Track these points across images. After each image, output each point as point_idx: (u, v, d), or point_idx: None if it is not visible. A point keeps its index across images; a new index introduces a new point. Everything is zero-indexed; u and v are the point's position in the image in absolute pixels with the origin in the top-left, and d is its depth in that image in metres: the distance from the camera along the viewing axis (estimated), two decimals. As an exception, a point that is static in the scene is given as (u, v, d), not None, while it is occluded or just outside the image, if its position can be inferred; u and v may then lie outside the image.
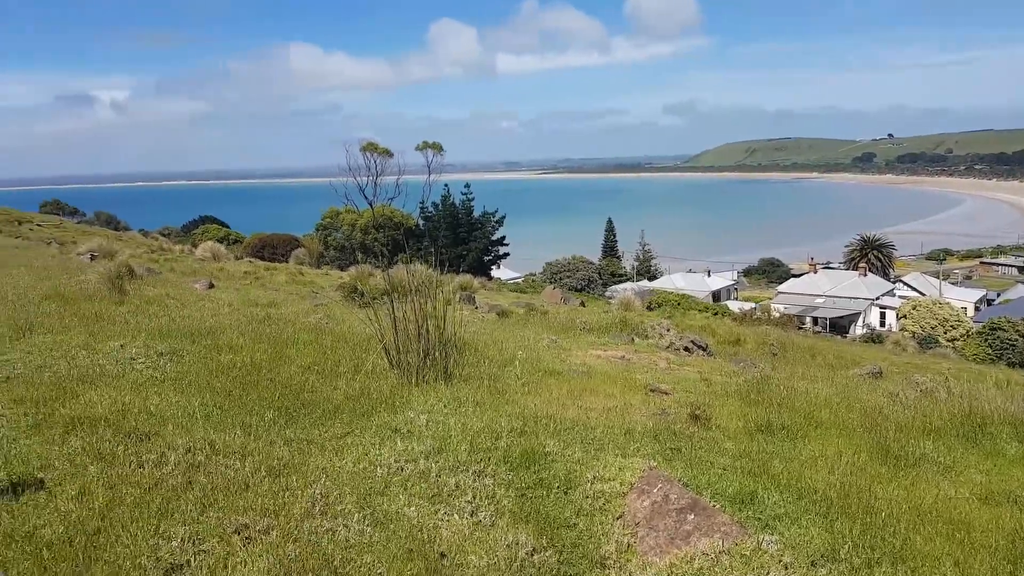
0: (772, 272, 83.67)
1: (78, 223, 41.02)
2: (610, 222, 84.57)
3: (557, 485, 4.14)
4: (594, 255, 74.73)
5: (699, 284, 64.30)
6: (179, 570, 2.99)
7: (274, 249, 42.23)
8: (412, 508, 3.76)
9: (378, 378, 6.02)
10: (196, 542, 3.16)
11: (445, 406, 5.34)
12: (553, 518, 3.80)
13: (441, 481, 4.06)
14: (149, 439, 4.25)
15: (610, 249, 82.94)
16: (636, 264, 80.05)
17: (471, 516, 3.72)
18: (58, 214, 46.05)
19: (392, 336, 6.23)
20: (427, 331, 6.21)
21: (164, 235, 46.22)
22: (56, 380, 5.21)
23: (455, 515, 3.72)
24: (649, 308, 25.67)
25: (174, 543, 3.12)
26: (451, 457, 4.36)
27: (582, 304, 21.62)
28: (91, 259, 15.33)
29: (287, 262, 32.66)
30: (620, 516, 3.84)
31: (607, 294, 53.06)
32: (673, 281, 64.72)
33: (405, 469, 4.17)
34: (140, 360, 5.99)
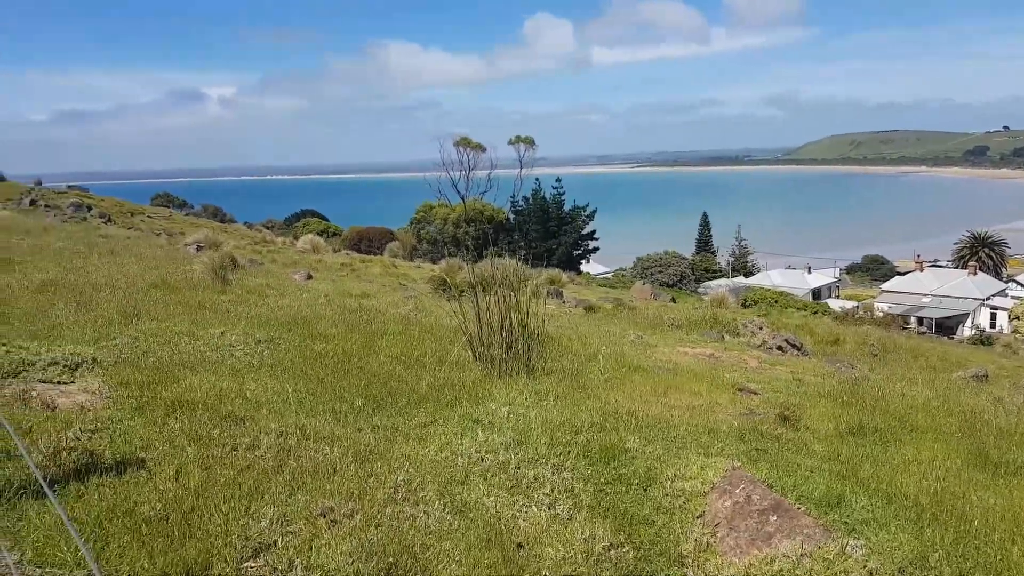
0: (876, 270, 79.39)
1: (186, 215, 43.52)
2: (705, 216, 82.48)
3: (636, 482, 4.08)
4: (687, 250, 73.13)
5: (798, 281, 61.77)
6: (266, 550, 3.11)
7: (370, 242, 43.59)
8: (491, 498, 3.79)
9: (462, 369, 6.11)
10: (284, 523, 3.29)
11: (526, 399, 5.36)
12: (631, 514, 3.75)
13: (520, 473, 4.08)
14: (244, 423, 4.46)
15: (704, 244, 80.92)
16: (731, 260, 77.75)
17: (549, 509, 3.71)
18: (168, 206, 49.00)
19: (476, 328, 6.31)
20: (510, 324, 6.24)
21: (267, 227, 48.42)
22: (159, 365, 5.54)
23: (533, 507, 3.72)
24: (744, 305, 24.92)
25: (263, 523, 3.26)
26: (531, 450, 4.38)
27: (672, 300, 21.24)
28: (197, 250, 16.24)
29: (382, 255, 33.62)
30: (700, 515, 3.75)
31: (700, 290, 51.85)
32: (770, 278, 62.49)
33: (485, 460, 4.22)
34: (239, 347, 6.30)
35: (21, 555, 2.87)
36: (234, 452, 4.00)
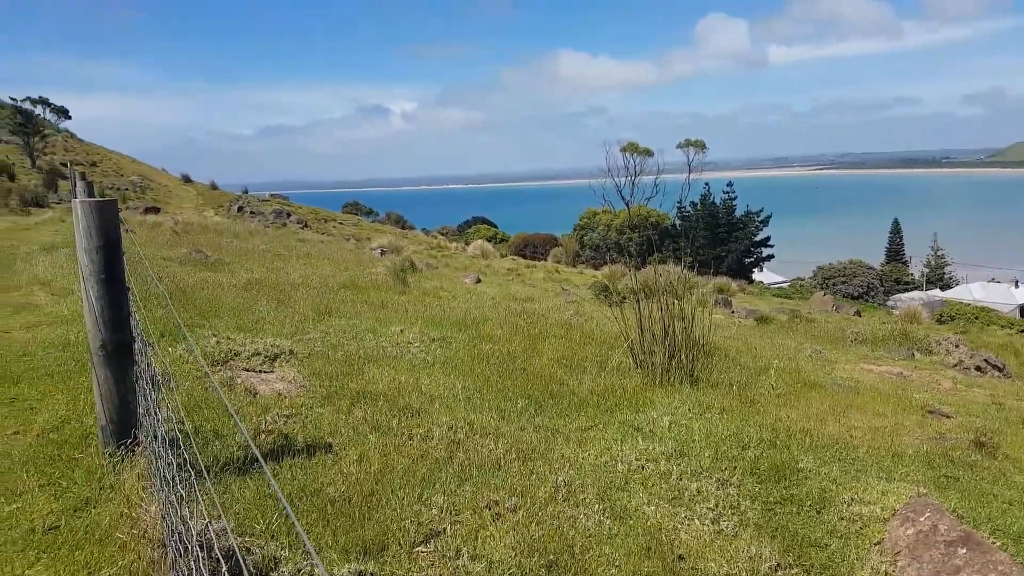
0: (1104, 285, 68.73)
1: (372, 222, 46.72)
2: (896, 223, 75.77)
3: (809, 503, 3.87)
4: (875, 260, 67.48)
5: (1003, 296, 54.91)
6: (436, 536, 3.30)
7: (534, 248, 44.46)
8: (651, 507, 3.76)
9: (622, 376, 6.09)
10: (452, 512, 3.48)
11: (689, 410, 5.26)
12: (802, 536, 3.57)
13: (682, 485, 4.01)
14: (419, 415, 4.75)
15: (895, 253, 74.33)
16: (925, 271, 70.76)
17: (712, 523, 3.62)
18: (356, 214, 52.86)
19: (638, 335, 6.26)
20: (674, 332, 6.14)
21: (442, 233, 50.90)
22: (347, 358, 6.03)
23: (695, 520, 3.65)
24: (939, 321, 22.67)
25: (434, 511, 3.47)
26: (693, 462, 4.29)
27: (857, 313, 19.74)
28: (381, 254, 17.42)
29: (546, 260, 34.18)
30: (878, 543, 3.49)
31: (889, 303, 47.69)
32: (971, 291, 56.09)
33: (646, 468, 4.19)
34: (415, 344, 6.70)
35: (226, 524, 3.27)
36: (409, 441, 4.27)
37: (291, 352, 5.98)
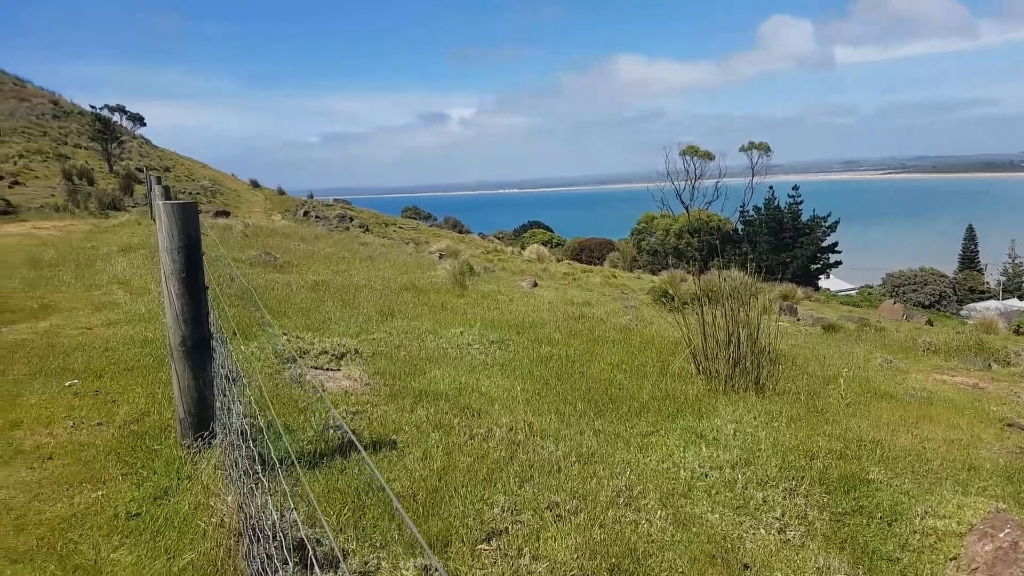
0: None
1: (430, 226, 47.34)
2: (971, 229, 72.62)
3: (880, 515, 3.76)
4: (948, 267, 64.84)
5: (1090, 306, 52.06)
6: (498, 535, 3.33)
7: (591, 252, 44.27)
8: (715, 515, 3.71)
9: (684, 382, 6.02)
10: (514, 512, 3.50)
11: (755, 418, 5.16)
12: (872, 549, 3.46)
13: (747, 493, 3.95)
14: (479, 415, 4.80)
15: (969, 261, 71.26)
16: (1002, 279, 67.59)
17: (779, 533, 3.55)
18: (415, 218, 53.68)
19: (700, 341, 6.18)
20: (738, 339, 6.04)
21: (498, 238, 51.21)
22: (409, 358, 6.14)
23: (761, 529, 3.58)
24: (1016, 331, 21.62)
25: (495, 510, 3.50)
26: (759, 471, 4.21)
27: (928, 322, 19.01)
28: (440, 257, 17.63)
29: (602, 265, 34.02)
30: (954, 558, 3.36)
31: (963, 312, 45.73)
32: (1053, 301, 53.37)
33: (709, 475, 4.14)
34: (475, 346, 6.77)
35: (297, 516, 3.37)
36: (470, 441, 4.32)
37: (356, 351, 6.12)
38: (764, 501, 3.86)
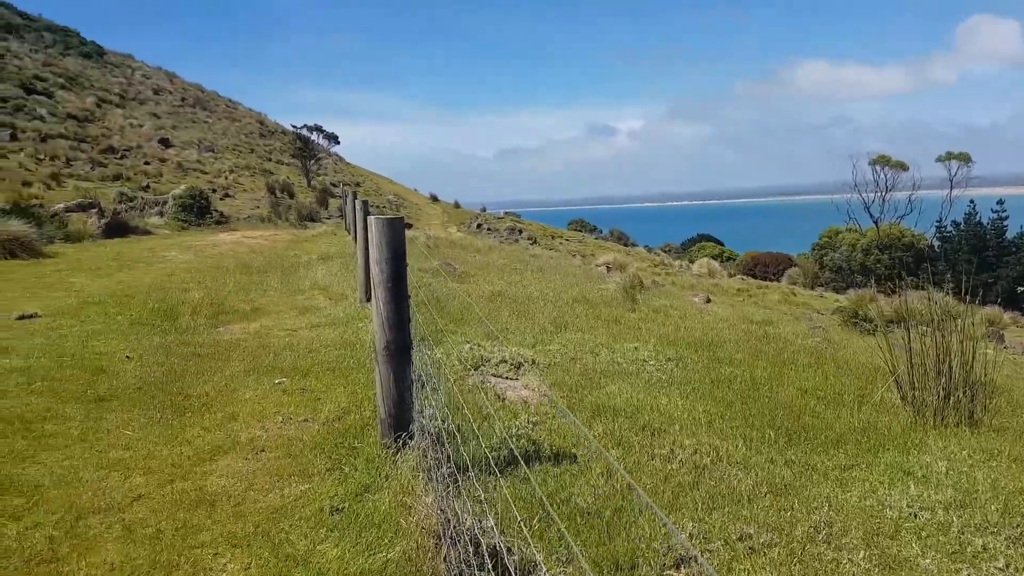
0: None
1: (596, 239, 47.36)
2: None
3: None
4: None
5: None
6: (687, 563, 3.22)
7: (765, 267, 42.09)
8: (928, 560, 3.37)
9: (886, 413, 5.54)
10: (703, 540, 3.38)
11: (970, 456, 4.64)
12: None
13: (964, 539, 3.55)
14: (659, 435, 4.69)
15: None
16: None
17: (1005, 588, 3.16)
18: (580, 231, 53.95)
19: (906, 370, 5.66)
20: (949, 368, 5.46)
21: (664, 251, 50.15)
22: (584, 371, 6.14)
23: (984, 582, 3.20)
24: None
25: (683, 535, 3.39)
26: (978, 514, 3.77)
27: None
28: (607, 270, 17.57)
29: (779, 281, 32.23)
30: None
31: None
32: None
33: (919, 517, 3.76)
34: (650, 362, 6.65)
35: (492, 523, 3.46)
36: (652, 461, 4.23)
37: (533, 362, 6.22)
38: (984, 548, 3.45)
